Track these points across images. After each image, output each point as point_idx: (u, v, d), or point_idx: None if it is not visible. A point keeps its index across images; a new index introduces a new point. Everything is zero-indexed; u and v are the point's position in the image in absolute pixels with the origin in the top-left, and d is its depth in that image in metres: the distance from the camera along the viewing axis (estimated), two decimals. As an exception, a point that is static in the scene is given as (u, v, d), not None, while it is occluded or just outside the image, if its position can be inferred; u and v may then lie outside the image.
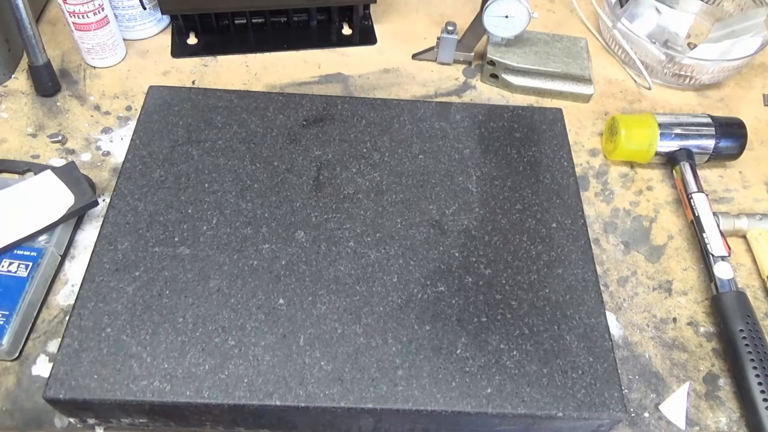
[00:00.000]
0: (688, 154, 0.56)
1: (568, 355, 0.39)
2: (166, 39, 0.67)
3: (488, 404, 0.37)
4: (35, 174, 0.49)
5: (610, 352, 0.40)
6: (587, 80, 0.64)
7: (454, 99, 0.64)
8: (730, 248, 0.51)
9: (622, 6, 0.70)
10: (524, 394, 0.37)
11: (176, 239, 0.43)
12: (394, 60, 0.67)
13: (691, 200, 0.54)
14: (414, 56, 0.68)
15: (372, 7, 0.72)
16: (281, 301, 0.40)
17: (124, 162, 0.46)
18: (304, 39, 0.68)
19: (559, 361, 0.39)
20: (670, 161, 0.58)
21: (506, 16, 0.60)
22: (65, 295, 0.47)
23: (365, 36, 0.70)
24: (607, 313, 0.45)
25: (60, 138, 0.56)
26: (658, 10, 0.71)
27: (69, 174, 0.48)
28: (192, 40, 0.67)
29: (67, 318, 0.44)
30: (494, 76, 0.65)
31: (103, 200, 0.52)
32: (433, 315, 0.40)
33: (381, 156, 0.49)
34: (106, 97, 0.60)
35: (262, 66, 0.65)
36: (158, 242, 0.42)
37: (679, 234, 0.55)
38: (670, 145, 0.56)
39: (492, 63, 0.64)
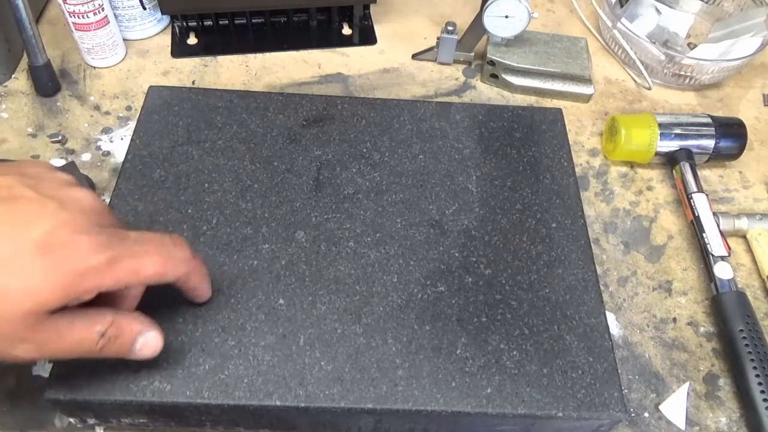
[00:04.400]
0: (688, 154, 0.56)
1: (568, 355, 0.39)
2: (166, 39, 0.67)
3: (488, 404, 0.37)
4: (35, 174, 0.49)
5: (610, 352, 0.40)
6: (587, 80, 0.64)
7: (454, 99, 0.64)
8: (730, 248, 0.51)
9: (622, 6, 0.70)
10: (524, 394, 0.37)
11: (176, 239, 0.43)
12: (394, 60, 0.67)
13: (691, 200, 0.54)
14: (414, 56, 0.68)
15: (372, 7, 0.72)
16: (281, 301, 0.40)
17: (124, 162, 0.46)
18: (304, 39, 0.68)
19: (559, 361, 0.39)
20: (670, 161, 0.58)
21: (506, 16, 0.60)
22: (65, 295, 0.47)
23: (365, 36, 0.70)
24: (607, 313, 0.45)
25: (60, 138, 0.56)
26: (658, 10, 0.71)
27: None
28: (192, 40, 0.67)
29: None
30: (494, 76, 0.65)
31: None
32: (433, 315, 0.40)
33: (381, 156, 0.49)
34: (106, 97, 0.61)
35: (262, 66, 0.65)
36: (158, 242, 0.42)
37: (679, 234, 0.55)
38: (670, 145, 0.56)
39: (492, 63, 0.64)
